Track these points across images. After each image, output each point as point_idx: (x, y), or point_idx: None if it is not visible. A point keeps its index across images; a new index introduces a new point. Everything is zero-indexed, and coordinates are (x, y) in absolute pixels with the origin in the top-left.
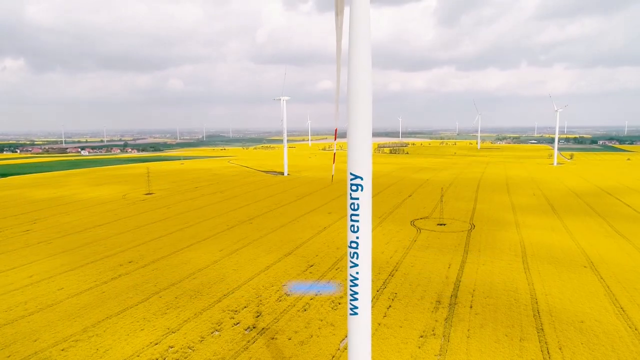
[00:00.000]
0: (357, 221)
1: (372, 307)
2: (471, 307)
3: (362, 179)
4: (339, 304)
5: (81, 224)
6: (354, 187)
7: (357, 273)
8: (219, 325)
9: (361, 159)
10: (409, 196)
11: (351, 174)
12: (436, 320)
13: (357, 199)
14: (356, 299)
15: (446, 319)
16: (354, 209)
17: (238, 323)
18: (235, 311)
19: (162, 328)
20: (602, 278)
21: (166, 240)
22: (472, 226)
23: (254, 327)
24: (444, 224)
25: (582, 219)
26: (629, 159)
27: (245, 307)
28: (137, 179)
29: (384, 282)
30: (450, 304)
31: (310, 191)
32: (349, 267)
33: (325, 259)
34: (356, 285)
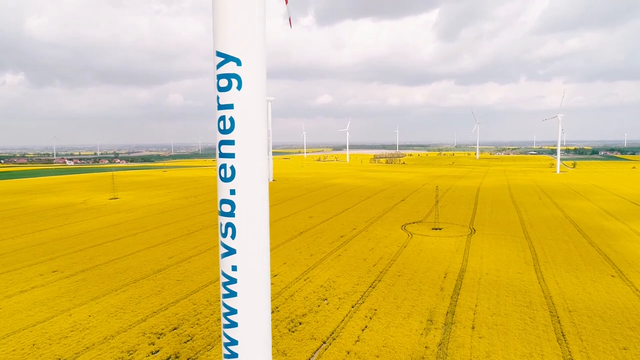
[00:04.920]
0: (232, 155)
1: (343, 328)
2: (473, 327)
3: (239, 63)
4: (300, 323)
5: (20, 229)
6: (223, 82)
7: (234, 269)
8: (130, 354)
9: (236, 22)
10: (402, 200)
11: (218, 53)
12: (426, 347)
13: (231, 107)
14: (234, 324)
15: (440, 345)
16: (224, 131)
17: (157, 351)
18: (160, 334)
19: (51, 358)
20: (635, 288)
21: (110, 247)
22: (473, 231)
23: (176, 357)
24: (440, 229)
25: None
26: (634, 167)
27: (174, 329)
28: (108, 186)
29: (361, 296)
30: (445, 324)
31: (293, 195)
32: (220, 256)
33: (295, 267)
34: (233, 294)
